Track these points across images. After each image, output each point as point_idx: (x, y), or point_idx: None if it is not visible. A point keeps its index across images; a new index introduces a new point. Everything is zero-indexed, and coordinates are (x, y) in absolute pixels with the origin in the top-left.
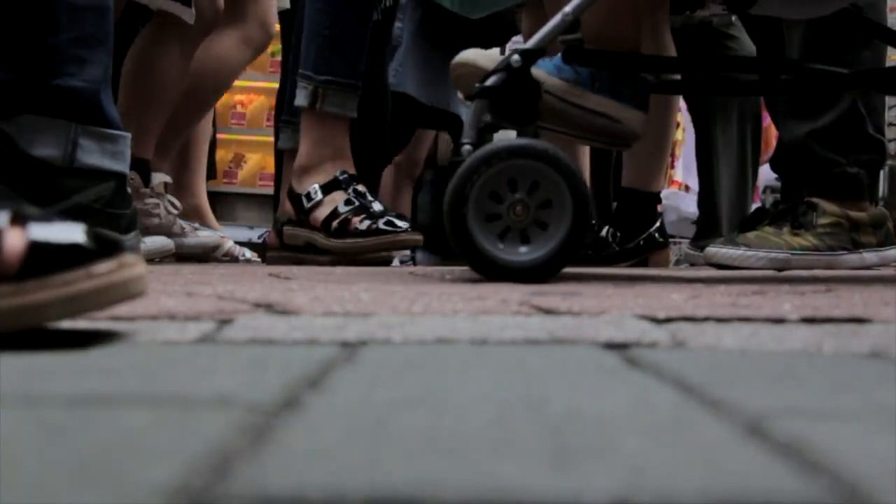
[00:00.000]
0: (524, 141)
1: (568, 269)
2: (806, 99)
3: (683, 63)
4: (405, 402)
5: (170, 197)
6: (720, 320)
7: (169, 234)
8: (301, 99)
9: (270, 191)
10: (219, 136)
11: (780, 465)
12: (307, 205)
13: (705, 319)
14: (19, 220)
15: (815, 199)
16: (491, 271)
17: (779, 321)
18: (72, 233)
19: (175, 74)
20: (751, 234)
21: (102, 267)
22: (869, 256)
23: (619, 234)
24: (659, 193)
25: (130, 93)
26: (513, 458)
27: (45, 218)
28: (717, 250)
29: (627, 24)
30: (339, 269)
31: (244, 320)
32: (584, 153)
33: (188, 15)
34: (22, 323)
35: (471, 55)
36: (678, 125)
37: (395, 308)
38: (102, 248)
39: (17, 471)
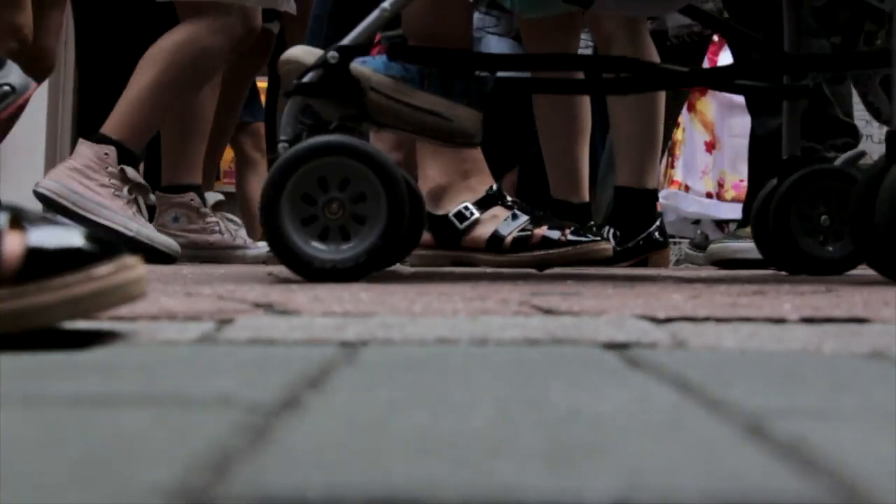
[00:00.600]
0: (334, 138)
1: (568, 270)
2: (770, 94)
3: (518, 61)
4: (405, 402)
5: (228, 214)
6: (720, 320)
7: (232, 247)
8: None
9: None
10: None
11: (780, 465)
12: (461, 225)
13: (705, 319)
14: (18, 223)
15: None
16: (310, 272)
17: (779, 321)
18: (71, 236)
19: (210, 99)
20: (749, 228)
21: (102, 269)
22: None
23: (618, 234)
24: (656, 191)
25: (172, 126)
26: (513, 458)
27: (44, 221)
28: (721, 246)
29: (455, 21)
30: None
31: (244, 320)
32: (584, 150)
33: (290, 7)
34: (22, 325)
35: (296, 52)
36: (678, 125)
37: (395, 308)
38: (102, 250)
39: (17, 471)
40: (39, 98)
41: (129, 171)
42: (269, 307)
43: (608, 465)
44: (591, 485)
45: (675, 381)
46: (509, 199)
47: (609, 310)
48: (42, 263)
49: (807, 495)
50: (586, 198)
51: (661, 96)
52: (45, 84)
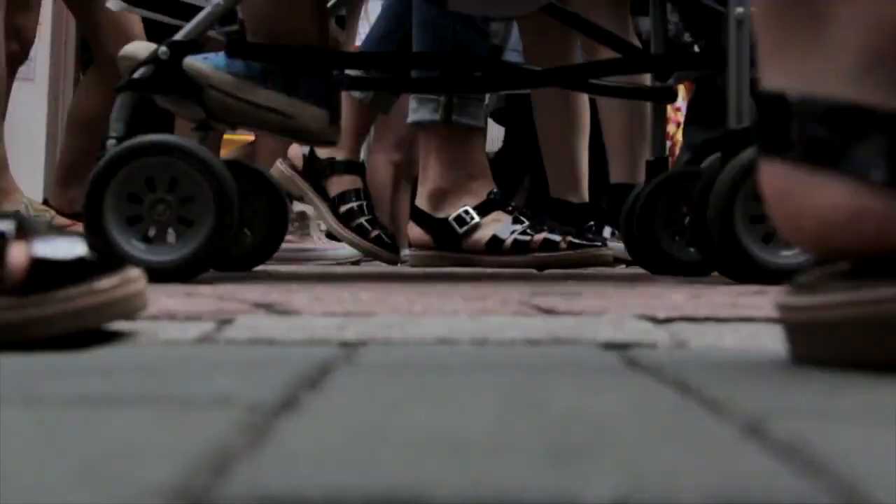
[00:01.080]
0: (159, 137)
1: (568, 270)
2: (706, 108)
3: (359, 59)
4: (405, 402)
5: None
6: (720, 320)
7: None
8: (426, 113)
9: None
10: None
11: (780, 465)
12: (461, 229)
13: (705, 319)
14: (23, 234)
15: None
16: None
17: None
18: (74, 248)
19: None
20: None
21: (104, 283)
22: None
23: (615, 232)
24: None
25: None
26: (513, 458)
27: (49, 233)
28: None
29: (299, 18)
30: (339, 269)
31: (244, 320)
32: (583, 149)
33: None
34: (24, 335)
35: (132, 48)
36: (679, 124)
37: (395, 308)
38: (105, 263)
39: (17, 471)
40: (39, 99)
41: None
42: (269, 307)
43: (608, 465)
44: (591, 485)
45: (675, 381)
46: (511, 204)
47: (609, 310)
48: (46, 275)
49: (807, 495)
50: (586, 197)
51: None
52: (45, 85)
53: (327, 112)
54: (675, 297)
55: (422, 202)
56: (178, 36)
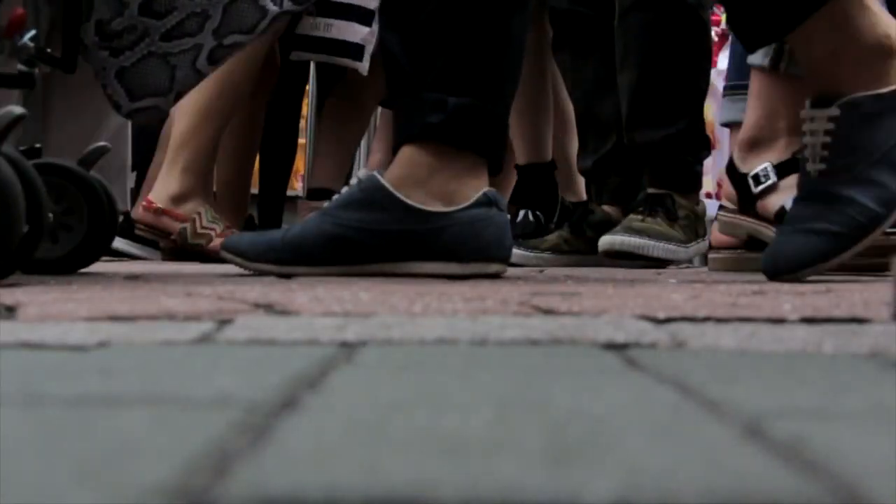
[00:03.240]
0: None
1: (566, 270)
2: (659, 108)
3: None
4: (405, 402)
5: None
6: (720, 320)
7: None
8: (758, 58)
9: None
10: None
11: (780, 465)
12: (755, 189)
13: (705, 319)
14: None
15: (672, 193)
16: None
17: (779, 321)
18: None
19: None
20: (641, 224)
21: None
22: (703, 246)
23: (538, 214)
24: (553, 162)
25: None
26: (513, 458)
27: None
28: (613, 238)
29: None
30: (338, 269)
31: (244, 320)
32: (574, 147)
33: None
34: None
35: None
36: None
37: (394, 308)
38: None
39: (17, 471)
40: None
41: None
42: (269, 307)
43: (608, 465)
44: (591, 485)
45: (674, 381)
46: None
47: (609, 310)
48: None
49: (807, 495)
50: (583, 196)
51: (551, 67)
52: None
53: None
54: (674, 297)
55: None
56: None
